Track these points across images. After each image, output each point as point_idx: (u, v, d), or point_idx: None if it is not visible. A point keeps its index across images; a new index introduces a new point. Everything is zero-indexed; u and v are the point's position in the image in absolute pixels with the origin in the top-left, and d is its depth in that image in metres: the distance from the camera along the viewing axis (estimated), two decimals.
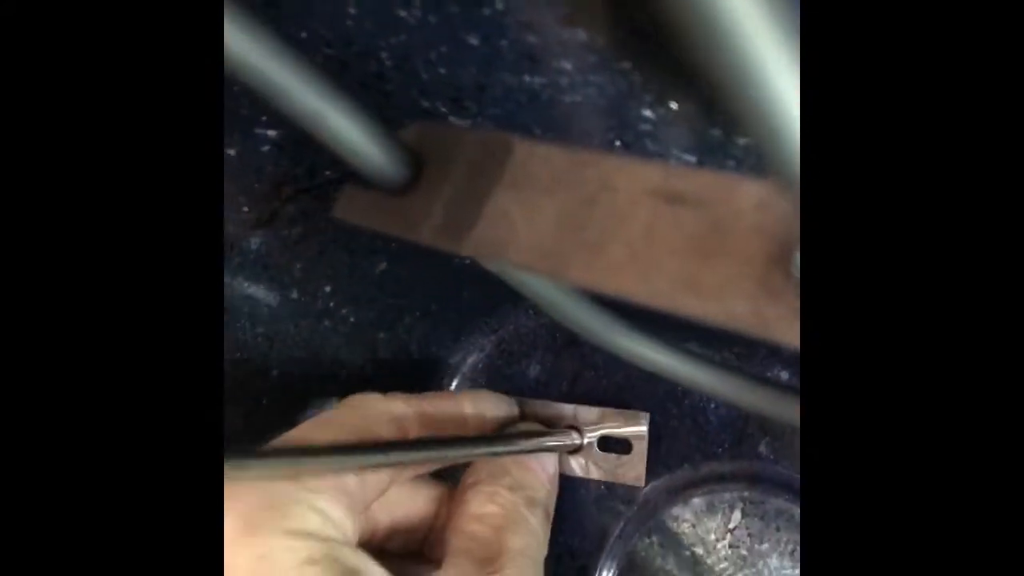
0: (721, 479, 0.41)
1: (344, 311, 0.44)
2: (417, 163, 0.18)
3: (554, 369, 0.48)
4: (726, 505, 0.40)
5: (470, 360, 0.50)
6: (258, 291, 0.39)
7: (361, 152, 0.18)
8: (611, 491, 0.43)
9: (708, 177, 0.16)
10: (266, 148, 0.35)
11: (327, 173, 0.37)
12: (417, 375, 0.49)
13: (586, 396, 0.46)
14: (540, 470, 0.36)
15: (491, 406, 0.39)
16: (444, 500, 0.36)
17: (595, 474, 0.41)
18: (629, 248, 0.16)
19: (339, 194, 0.20)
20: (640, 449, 0.40)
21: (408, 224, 0.18)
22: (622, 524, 0.42)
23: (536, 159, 0.17)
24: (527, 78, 0.22)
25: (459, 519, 0.32)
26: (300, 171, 0.36)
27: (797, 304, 0.14)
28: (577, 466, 0.41)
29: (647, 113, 0.22)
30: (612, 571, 0.42)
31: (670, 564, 0.41)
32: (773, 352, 0.37)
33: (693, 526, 0.41)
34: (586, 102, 0.22)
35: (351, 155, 0.18)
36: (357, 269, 0.43)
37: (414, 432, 0.33)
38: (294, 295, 0.41)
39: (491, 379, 0.49)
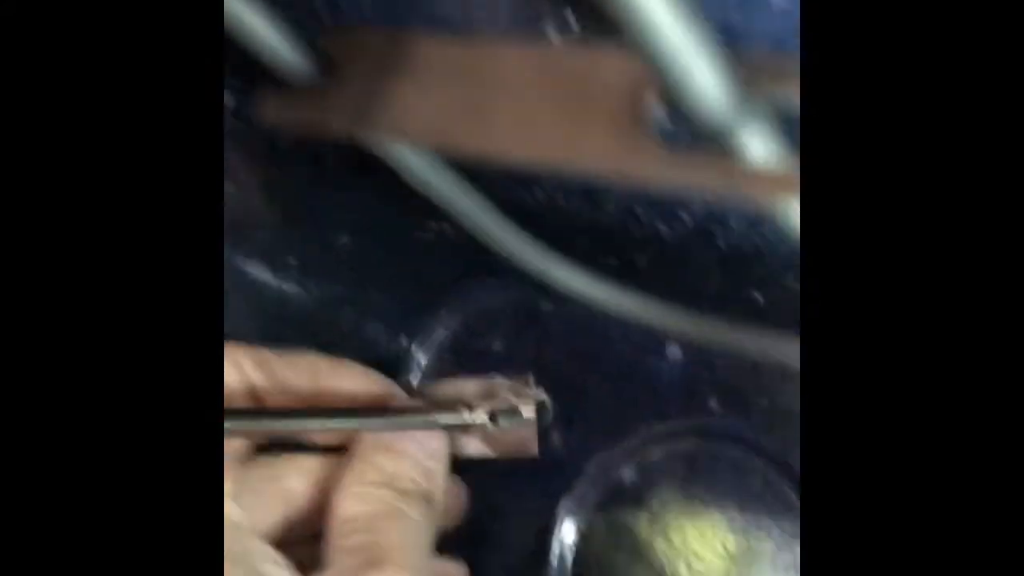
0: (674, 436, 0.42)
1: (309, 284, 0.45)
2: (331, 64, 0.20)
3: (517, 343, 0.50)
4: (679, 461, 0.42)
5: (435, 336, 0.51)
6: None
7: (278, 54, 0.19)
8: (569, 453, 0.44)
9: (580, 51, 0.17)
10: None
11: (284, 141, 0.39)
12: (383, 351, 0.51)
13: (549, 368, 0.48)
14: (415, 455, 0.34)
15: (355, 380, 0.36)
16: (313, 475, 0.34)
17: (490, 451, 0.38)
18: (512, 119, 0.18)
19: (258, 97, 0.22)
20: (530, 418, 0.37)
21: (320, 120, 0.19)
22: (580, 485, 0.43)
23: (436, 51, 0.19)
24: None
25: (332, 524, 0.31)
26: (258, 136, 0.38)
27: (647, 147, 0.16)
28: (472, 445, 0.38)
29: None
30: (571, 531, 0.43)
31: (627, 521, 0.42)
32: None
33: (649, 483, 0.42)
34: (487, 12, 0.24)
35: (268, 56, 0.19)
36: (320, 242, 0.44)
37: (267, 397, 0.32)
38: (257, 266, 0.42)
39: (457, 355, 0.51)
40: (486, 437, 0.37)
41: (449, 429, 0.36)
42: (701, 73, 0.15)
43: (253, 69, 0.21)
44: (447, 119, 0.18)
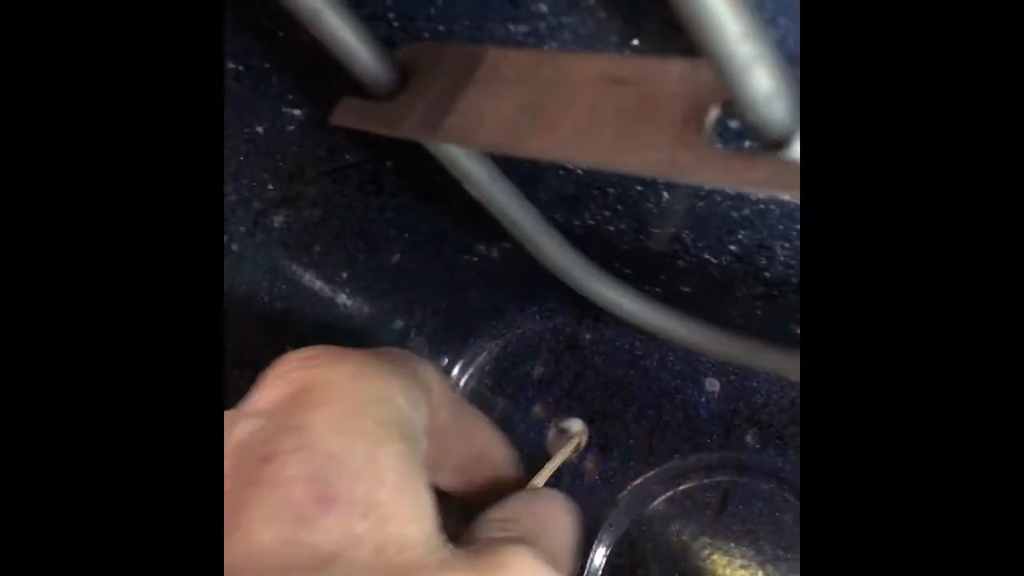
0: (710, 468, 0.42)
1: (359, 299, 0.47)
2: (406, 73, 0.21)
3: (556, 370, 0.50)
4: (714, 493, 0.42)
5: (477, 360, 0.52)
6: (278, 268, 0.42)
7: (358, 61, 0.21)
8: (604, 480, 0.44)
9: (645, 60, 0.18)
10: (292, 127, 0.38)
11: (347, 156, 0.41)
12: None
13: (586, 394, 0.49)
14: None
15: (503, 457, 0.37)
16: None
17: None
18: (576, 123, 0.19)
19: (337, 104, 0.23)
20: None
21: (392, 123, 0.21)
22: (614, 512, 0.43)
23: (505, 60, 0.20)
24: (512, 27, 0.25)
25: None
26: (322, 152, 0.40)
27: (706, 151, 0.17)
28: None
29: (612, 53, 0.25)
30: (602, 557, 0.43)
31: (660, 549, 0.42)
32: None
33: (683, 512, 0.42)
34: (563, 47, 0.25)
35: (350, 63, 0.21)
36: (372, 258, 0.46)
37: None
38: (312, 277, 0.44)
39: (497, 379, 0.51)
40: None
41: None
42: (766, 84, 0.16)
43: (335, 80, 0.22)
44: (512, 124, 0.19)
